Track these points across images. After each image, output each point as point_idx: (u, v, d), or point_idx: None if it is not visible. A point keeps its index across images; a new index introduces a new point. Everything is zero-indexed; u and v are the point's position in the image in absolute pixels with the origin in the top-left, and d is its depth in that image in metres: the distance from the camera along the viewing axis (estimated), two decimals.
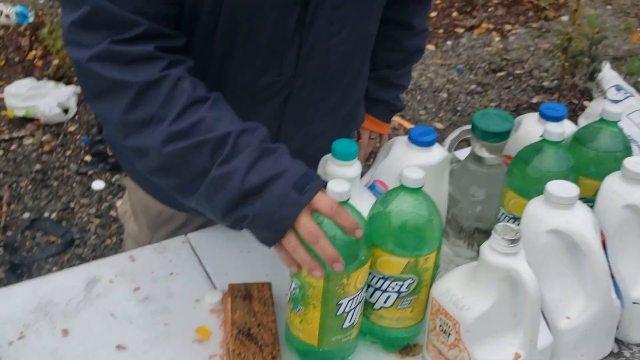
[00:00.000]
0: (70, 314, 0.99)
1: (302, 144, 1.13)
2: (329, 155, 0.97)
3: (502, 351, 0.84)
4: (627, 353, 0.98)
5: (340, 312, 0.85)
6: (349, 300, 0.85)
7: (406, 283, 0.88)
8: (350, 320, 0.87)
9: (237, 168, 0.83)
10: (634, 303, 0.95)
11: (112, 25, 0.87)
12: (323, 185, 0.84)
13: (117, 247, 2.36)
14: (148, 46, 0.88)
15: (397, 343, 0.95)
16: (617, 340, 0.98)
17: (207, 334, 0.97)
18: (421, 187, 0.87)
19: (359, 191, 1.00)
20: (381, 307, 0.91)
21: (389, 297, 0.90)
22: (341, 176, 0.93)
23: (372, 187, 1.07)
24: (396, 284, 0.88)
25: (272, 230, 0.84)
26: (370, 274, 0.89)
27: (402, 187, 0.87)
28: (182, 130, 0.86)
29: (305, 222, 0.82)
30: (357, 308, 0.87)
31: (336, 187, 0.82)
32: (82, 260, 2.33)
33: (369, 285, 0.90)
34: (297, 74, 1.03)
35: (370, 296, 0.91)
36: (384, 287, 0.89)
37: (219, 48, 0.98)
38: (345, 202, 0.83)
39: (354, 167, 0.96)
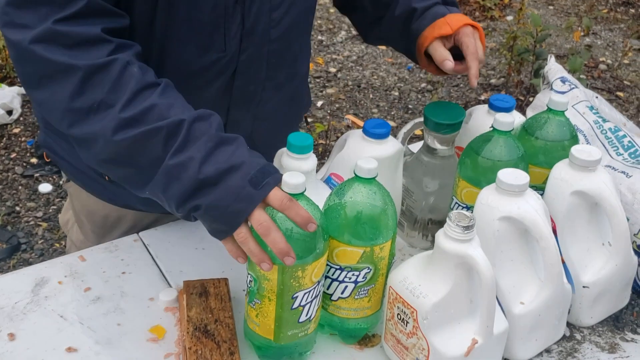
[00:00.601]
0: (16, 318, 0.95)
1: (252, 126, 1.12)
2: (284, 149, 0.97)
3: (460, 337, 0.85)
4: (578, 336, 1.01)
5: (295, 305, 0.84)
6: (305, 294, 0.84)
7: (362, 272, 0.88)
8: (307, 315, 0.86)
9: (193, 157, 0.81)
10: (584, 287, 0.98)
11: (51, 0, 0.83)
12: (280, 179, 0.83)
13: None
14: (95, 27, 0.85)
15: (355, 334, 0.95)
16: (568, 324, 1.01)
17: (163, 333, 0.95)
18: (375, 177, 0.87)
19: (314, 184, 0.99)
20: (339, 298, 0.91)
21: (346, 287, 0.89)
22: (297, 169, 0.93)
23: (328, 180, 1.07)
24: (353, 274, 0.88)
25: (225, 224, 0.82)
26: (327, 265, 0.89)
27: (356, 178, 0.87)
28: (134, 117, 0.83)
29: (258, 215, 0.81)
30: (314, 302, 0.86)
31: (291, 179, 0.82)
32: (29, 265, 2.25)
33: (326, 277, 0.90)
34: (241, 50, 1.01)
35: (328, 287, 0.91)
36: (340, 278, 0.89)
37: (159, 26, 0.95)
38: (301, 194, 0.82)
39: (310, 161, 0.96)
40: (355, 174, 0.87)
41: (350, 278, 0.89)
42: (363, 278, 0.89)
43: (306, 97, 1.29)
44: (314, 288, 0.85)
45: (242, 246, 0.82)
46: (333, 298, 0.91)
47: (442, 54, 1.07)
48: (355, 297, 0.91)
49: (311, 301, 0.85)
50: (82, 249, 1.22)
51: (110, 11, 0.88)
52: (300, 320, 0.86)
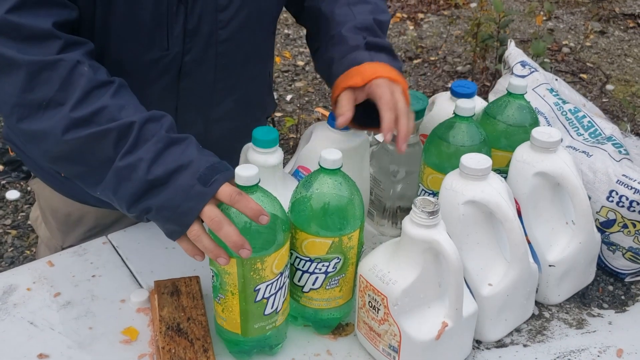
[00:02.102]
0: None
1: (205, 129, 1.11)
2: (250, 144, 0.97)
3: (430, 321, 0.86)
4: (546, 314, 1.03)
5: (259, 298, 0.84)
6: (267, 286, 0.84)
7: (332, 263, 0.89)
8: (273, 307, 0.86)
9: (142, 159, 0.81)
10: (550, 266, 1.00)
11: None
12: (231, 176, 0.83)
13: None
14: (46, 21, 0.85)
15: (329, 324, 0.95)
16: (537, 303, 1.03)
17: (135, 334, 0.94)
18: (339, 168, 0.87)
19: (282, 178, 1.00)
20: (310, 289, 0.91)
21: (317, 278, 0.90)
22: (263, 164, 0.93)
23: (296, 174, 1.07)
24: (323, 265, 0.89)
25: (177, 224, 0.82)
26: (296, 257, 0.89)
27: (321, 170, 0.88)
28: (84, 117, 0.83)
29: (208, 211, 0.81)
30: (279, 294, 0.86)
31: (243, 171, 0.81)
32: None
33: (296, 269, 0.90)
34: (185, 49, 1.00)
35: (299, 280, 0.91)
36: (311, 269, 0.89)
37: (99, 21, 0.94)
38: (255, 186, 0.82)
39: (276, 155, 0.96)
40: (320, 165, 0.88)
41: (320, 269, 0.89)
42: (333, 268, 0.90)
43: (268, 101, 1.27)
44: (277, 279, 0.85)
45: (196, 244, 0.82)
46: (304, 290, 0.92)
47: (342, 109, 0.94)
48: (327, 287, 0.91)
49: (275, 293, 0.85)
50: (50, 245, 1.23)
51: (61, 2, 0.88)
52: (265, 313, 0.86)
